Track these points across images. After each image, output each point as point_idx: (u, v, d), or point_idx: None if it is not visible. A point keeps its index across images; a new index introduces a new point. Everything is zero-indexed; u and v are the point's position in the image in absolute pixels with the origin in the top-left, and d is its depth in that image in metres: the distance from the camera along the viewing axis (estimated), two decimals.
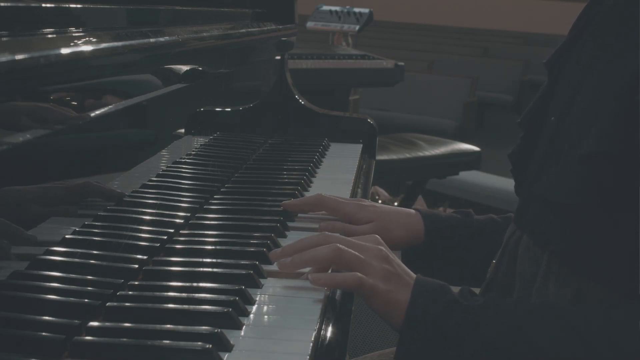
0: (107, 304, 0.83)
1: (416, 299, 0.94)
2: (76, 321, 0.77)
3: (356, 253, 0.95)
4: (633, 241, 0.89)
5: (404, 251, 1.29)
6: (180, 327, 0.79)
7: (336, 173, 1.60)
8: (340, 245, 0.95)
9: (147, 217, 1.14)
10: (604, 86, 0.95)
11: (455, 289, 0.98)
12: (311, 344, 0.80)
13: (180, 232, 1.11)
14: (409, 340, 0.93)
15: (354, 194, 1.48)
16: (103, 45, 0.97)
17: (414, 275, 0.98)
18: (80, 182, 1.05)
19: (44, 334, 0.75)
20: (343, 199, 1.27)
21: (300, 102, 1.97)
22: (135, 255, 0.97)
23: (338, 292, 0.99)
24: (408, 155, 3.48)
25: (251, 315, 0.87)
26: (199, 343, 0.75)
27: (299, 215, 1.28)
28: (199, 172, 1.45)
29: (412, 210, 1.28)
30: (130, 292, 0.88)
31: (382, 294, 0.94)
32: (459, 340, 0.91)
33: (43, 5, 0.93)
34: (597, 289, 0.94)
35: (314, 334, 0.83)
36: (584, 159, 0.93)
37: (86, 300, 0.83)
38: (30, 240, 0.90)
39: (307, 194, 1.41)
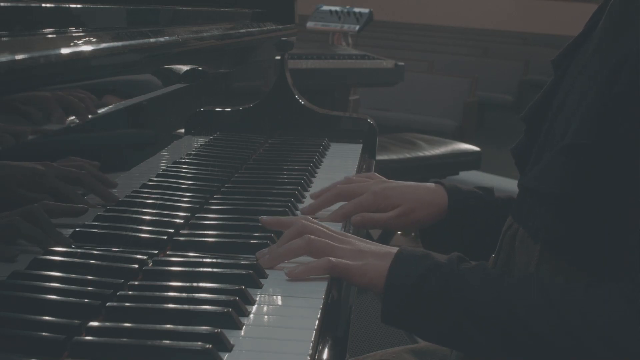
0: (107, 304, 0.83)
1: (396, 264, 0.97)
2: (76, 321, 0.77)
3: (326, 240, 1.01)
4: (618, 230, 0.91)
5: (423, 229, 1.31)
6: (180, 327, 0.79)
7: (336, 173, 1.60)
8: (311, 236, 1.01)
9: (147, 217, 1.14)
10: (589, 80, 0.97)
11: None
12: (311, 344, 0.80)
13: (180, 232, 1.11)
14: (391, 303, 0.96)
15: None
16: (103, 45, 0.97)
17: (394, 248, 1.01)
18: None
19: (44, 334, 0.75)
20: (362, 186, 1.29)
21: (300, 102, 1.97)
22: (135, 256, 0.97)
23: (338, 292, 0.99)
24: (408, 155, 3.48)
25: (251, 315, 0.86)
26: (199, 343, 0.75)
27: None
28: (199, 172, 1.45)
29: (433, 185, 1.30)
30: (130, 292, 0.88)
31: (356, 268, 0.98)
32: (441, 303, 0.94)
33: (43, 5, 0.93)
34: (585, 277, 0.95)
35: (313, 334, 0.83)
36: (566, 150, 0.95)
37: (86, 300, 0.83)
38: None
39: (307, 194, 1.41)
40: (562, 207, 0.96)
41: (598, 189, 0.93)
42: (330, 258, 0.98)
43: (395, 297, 0.96)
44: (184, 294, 0.88)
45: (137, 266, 0.94)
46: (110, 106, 1.09)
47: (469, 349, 0.98)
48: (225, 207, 1.27)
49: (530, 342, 0.91)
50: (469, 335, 0.93)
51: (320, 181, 1.52)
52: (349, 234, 1.07)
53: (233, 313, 0.83)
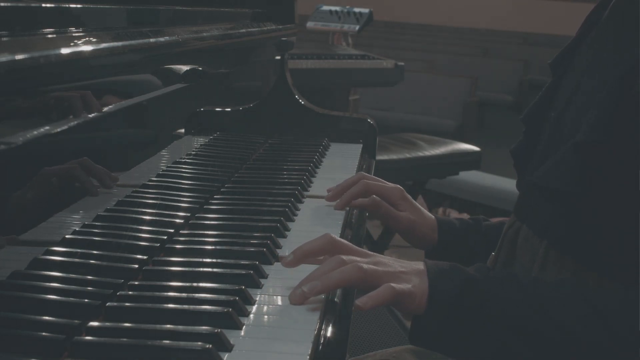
0: (107, 304, 0.83)
1: (435, 286, 0.93)
2: (76, 321, 0.77)
3: (375, 267, 0.93)
4: (626, 228, 0.91)
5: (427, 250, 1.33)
6: (180, 327, 0.79)
7: (336, 173, 1.60)
8: (363, 265, 0.93)
9: (147, 217, 1.14)
10: (600, 80, 0.97)
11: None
12: (311, 344, 0.80)
13: (180, 232, 1.11)
14: (426, 323, 0.93)
15: None
16: (103, 45, 0.98)
17: (419, 262, 0.98)
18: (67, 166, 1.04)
19: (44, 334, 0.75)
20: (384, 182, 1.32)
21: (300, 102, 1.97)
22: (135, 255, 0.97)
23: (338, 292, 0.99)
24: (408, 155, 3.48)
25: (251, 315, 0.86)
26: (199, 343, 0.75)
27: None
28: (199, 172, 1.45)
29: (432, 215, 1.32)
30: (130, 292, 0.88)
31: (409, 293, 0.92)
32: (479, 316, 0.92)
33: (43, 5, 0.93)
34: (591, 275, 0.95)
35: (314, 334, 0.83)
36: (577, 147, 0.95)
37: (86, 300, 0.83)
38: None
39: (307, 194, 1.41)
40: (571, 203, 0.96)
41: (608, 186, 0.93)
42: (393, 285, 0.92)
43: (432, 320, 0.93)
44: (184, 294, 0.88)
45: (137, 266, 0.94)
46: (110, 106, 1.09)
47: None
48: (225, 207, 1.27)
49: (578, 351, 0.90)
50: (515, 351, 0.91)
51: (320, 181, 1.52)
52: (371, 252, 1.00)
53: (233, 313, 0.83)
